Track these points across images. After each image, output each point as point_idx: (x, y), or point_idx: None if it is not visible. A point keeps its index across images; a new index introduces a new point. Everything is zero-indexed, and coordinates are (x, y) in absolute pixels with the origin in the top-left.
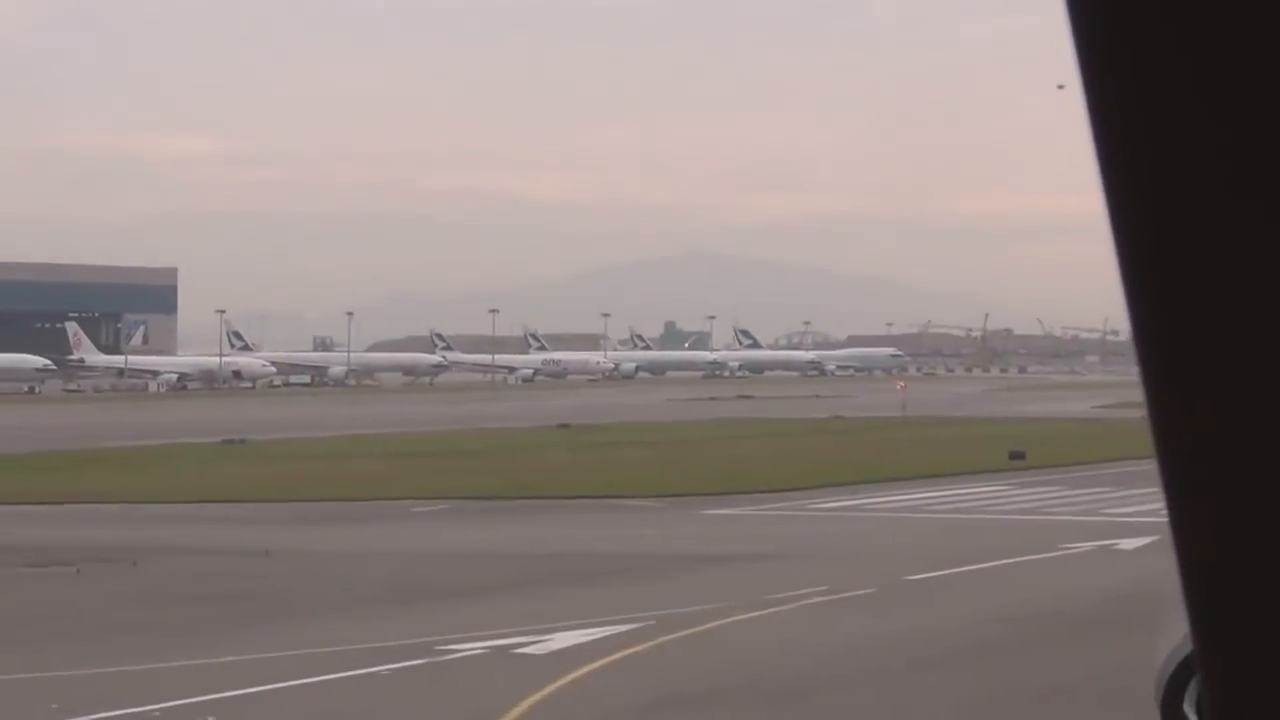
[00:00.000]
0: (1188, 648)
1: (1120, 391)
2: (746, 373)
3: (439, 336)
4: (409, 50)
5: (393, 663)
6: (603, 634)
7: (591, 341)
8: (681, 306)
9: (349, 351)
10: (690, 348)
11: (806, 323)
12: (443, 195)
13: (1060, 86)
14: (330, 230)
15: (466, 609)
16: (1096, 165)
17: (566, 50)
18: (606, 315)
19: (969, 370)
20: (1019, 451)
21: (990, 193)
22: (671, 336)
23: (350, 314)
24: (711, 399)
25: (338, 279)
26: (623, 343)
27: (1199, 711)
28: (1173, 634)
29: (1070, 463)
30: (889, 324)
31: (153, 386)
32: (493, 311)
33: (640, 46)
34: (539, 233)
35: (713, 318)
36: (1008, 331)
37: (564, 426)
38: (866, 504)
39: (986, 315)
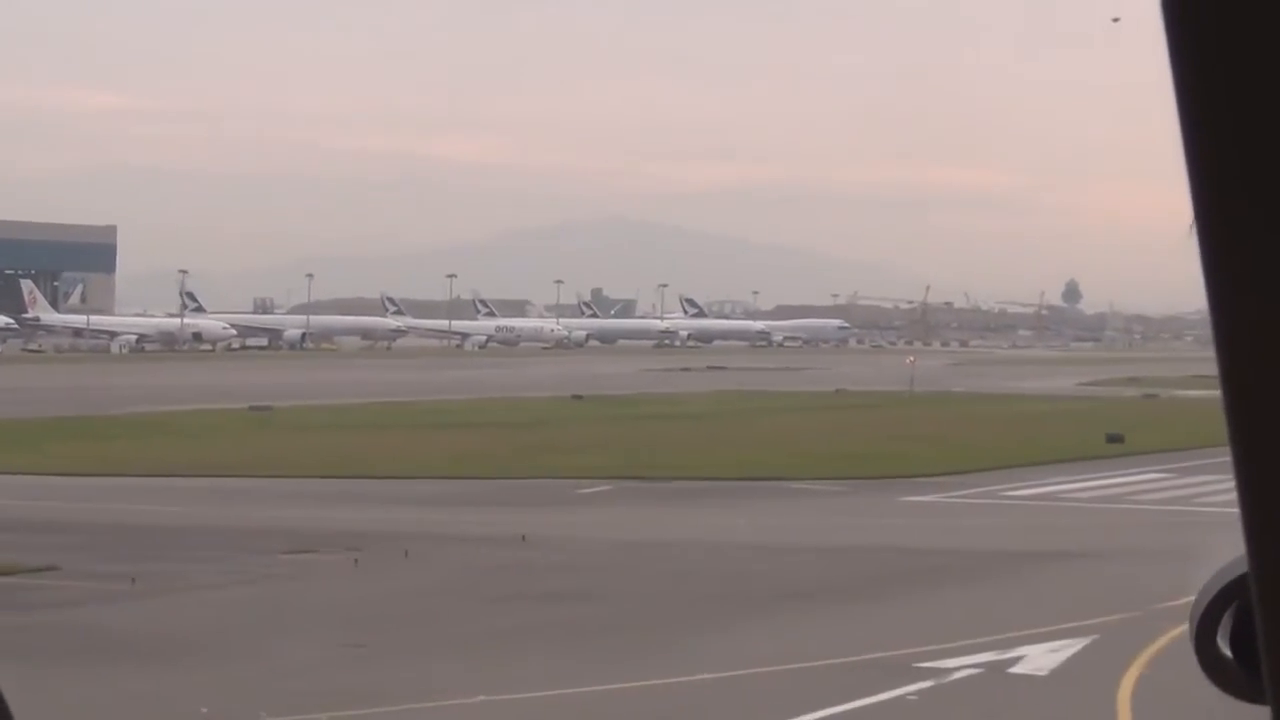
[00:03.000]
0: (1220, 583)
1: (1092, 369)
2: (696, 343)
3: (390, 300)
4: (330, 9)
5: (897, 684)
6: (1076, 645)
7: (518, 307)
8: (603, 272)
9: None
10: (616, 315)
11: (755, 292)
12: (360, 157)
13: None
14: (244, 190)
15: (850, 615)
16: (1184, 157)
17: (486, 12)
18: (560, 282)
19: (909, 344)
20: (1117, 434)
21: (908, 163)
22: (599, 303)
23: (310, 276)
24: (685, 369)
25: (251, 239)
26: (550, 308)
27: (1233, 645)
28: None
29: (1172, 448)
30: (835, 295)
31: (115, 348)
32: (450, 276)
33: (561, 10)
34: (457, 196)
35: (664, 285)
36: (947, 305)
37: (578, 398)
38: (1057, 492)
39: (928, 288)
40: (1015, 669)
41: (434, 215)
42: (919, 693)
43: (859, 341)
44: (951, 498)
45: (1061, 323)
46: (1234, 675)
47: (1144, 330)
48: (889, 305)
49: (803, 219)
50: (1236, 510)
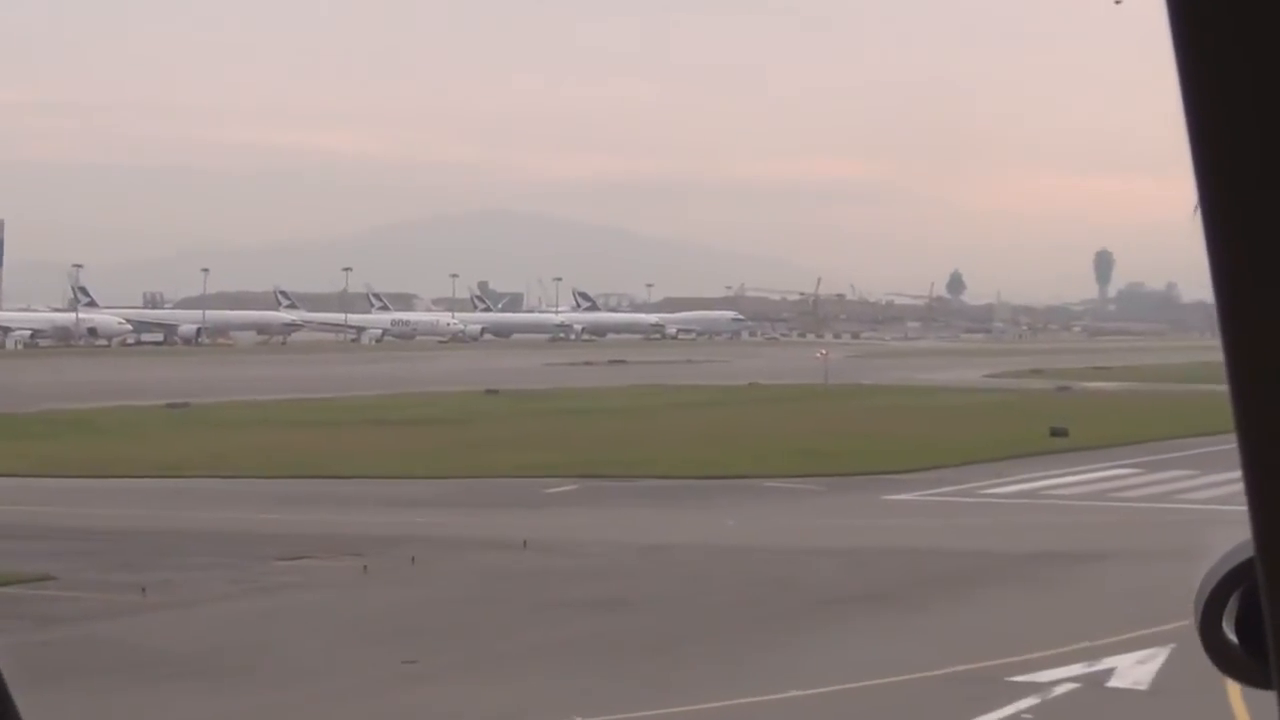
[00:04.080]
0: (1224, 568)
1: (991, 360)
2: (590, 336)
3: (283, 294)
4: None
5: (1002, 701)
6: (1161, 654)
7: (405, 301)
8: (486, 265)
9: (203, 310)
10: (504, 308)
11: (649, 285)
12: (236, 149)
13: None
14: (118, 182)
15: (904, 623)
16: (1189, 144)
17: (362, 5)
18: (454, 276)
19: (801, 335)
20: (1061, 428)
21: (789, 155)
22: (485, 297)
23: (206, 270)
24: (588, 363)
25: (126, 232)
26: (437, 301)
27: (1238, 630)
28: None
29: (1116, 442)
30: (728, 287)
31: (9, 343)
32: (346, 270)
33: (437, 2)
34: (334, 189)
35: (559, 279)
36: (839, 297)
37: (493, 392)
38: (1036, 489)
39: (819, 280)
40: (1114, 682)
41: (311, 209)
42: (1032, 710)
43: (750, 334)
44: (932, 496)
45: (949, 314)
46: (1239, 660)
47: (1030, 321)
48: (776, 297)
49: (685, 211)
50: (1230, 507)
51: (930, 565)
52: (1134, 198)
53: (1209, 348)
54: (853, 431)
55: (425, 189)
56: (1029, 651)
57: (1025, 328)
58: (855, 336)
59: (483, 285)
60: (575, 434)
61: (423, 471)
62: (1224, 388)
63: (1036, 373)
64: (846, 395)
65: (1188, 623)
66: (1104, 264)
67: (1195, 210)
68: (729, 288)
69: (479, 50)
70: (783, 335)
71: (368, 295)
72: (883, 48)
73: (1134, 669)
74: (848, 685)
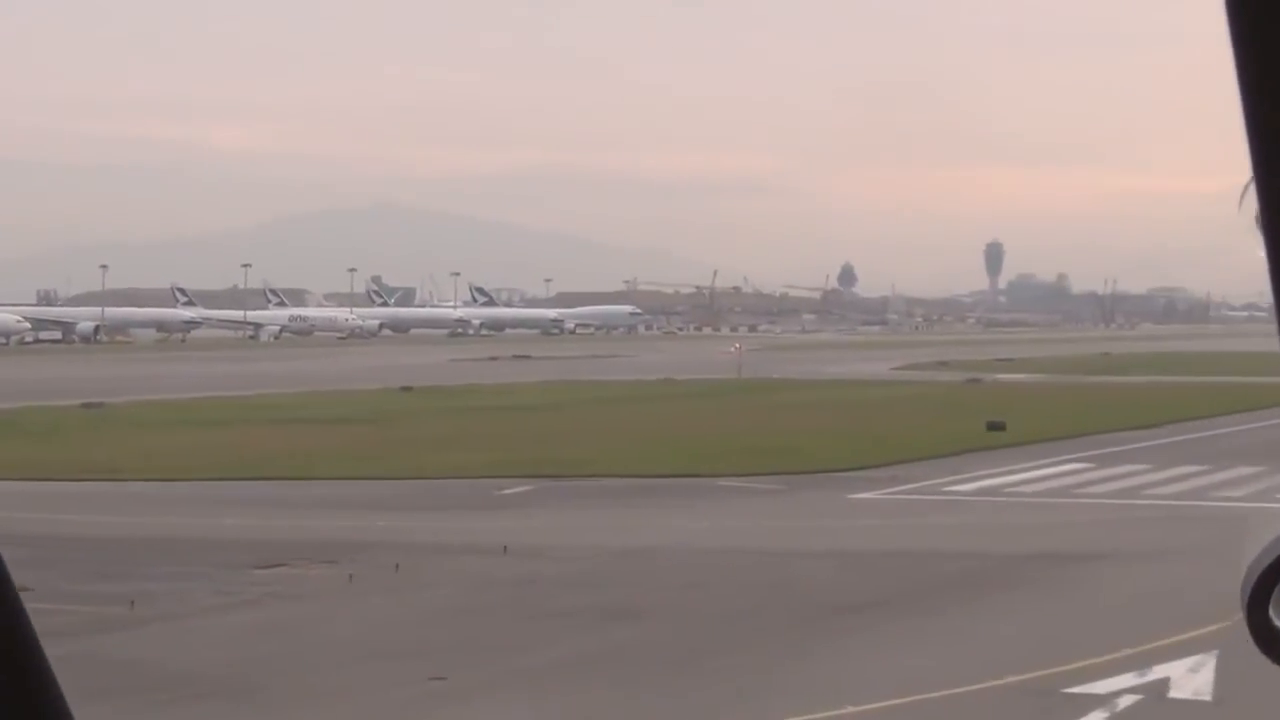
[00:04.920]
0: (1270, 557)
1: (894, 352)
2: (488, 331)
3: (180, 290)
4: None
5: (1068, 715)
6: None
7: (297, 296)
8: (377, 259)
9: (102, 307)
10: (397, 303)
11: (548, 280)
12: (121, 143)
13: None
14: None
15: (929, 631)
16: (1250, 158)
17: None
18: (352, 270)
19: (698, 329)
20: (998, 422)
21: (680, 148)
22: (381, 291)
23: (104, 267)
24: (493, 359)
25: (12, 228)
26: (329, 297)
27: None
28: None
29: (1052, 436)
30: (626, 281)
31: None
32: (245, 266)
33: None
34: (221, 184)
35: (457, 274)
36: (735, 290)
37: (408, 389)
38: (997, 485)
39: (715, 273)
40: (1176, 693)
41: (200, 203)
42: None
43: (647, 327)
44: (895, 494)
45: (844, 306)
46: None
47: (925, 313)
48: (670, 291)
49: (575, 205)
50: (1199, 503)
51: (928, 568)
52: (1025, 189)
53: (1104, 339)
54: (786, 428)
55: (313, 184)
56: (1072, 660)
57: (920, 320)
58: (752, 329)
59: (375, 280)
60: (506, 432)
61: (365, 472)
62: (1137, 379)
63: (942, 365)
64: (763, 390)
65: (1220, 626)
66: (994, 255)
67: (1256, 220)
68: (627, 282)
69: (369, 44)
70: (679, 329)
71: (265, 291)
72: (773, 41)
73: (1190, 678)
74: (905, 699)
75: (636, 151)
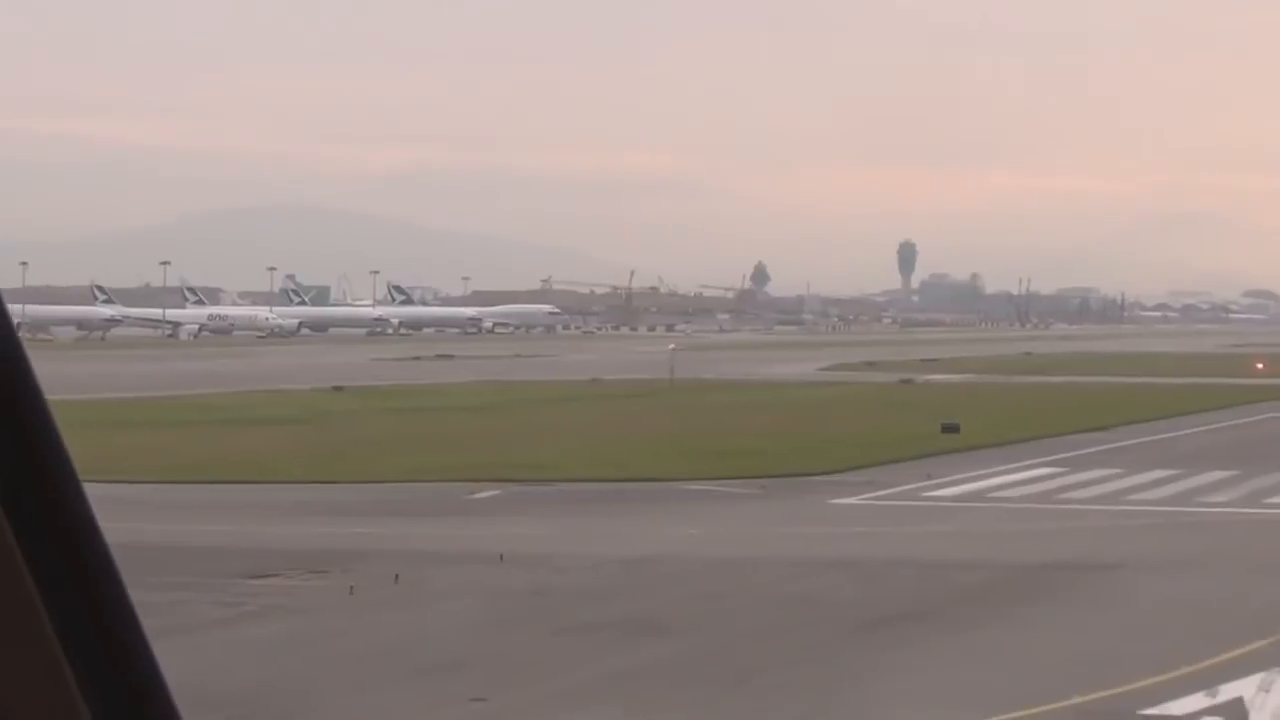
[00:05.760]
0: None
1: (817, 353)
2: (407, 330)
3: (99, 289)
4: None
5: None
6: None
7: (211, 294)
8: (287, 257)
9: (23, 305)
10: (311, 302)
11: (465, 278)
12: (25, 140)
13: None
14: None
15: (974, 646)
16: None
17: None
18: (272, 269)
19: (616, 328)
20: (953, 424)
21: (592, 146)
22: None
23: (24, 264)
24: (416, 358)
25: None
26: (243, 295)
27: None
28: None
29: (1007, 440)
30: (544, 280)
31: None
32: (163, 264)
33: None
34: (130, 180)
35: (375, 272)
36: (653, 290)
37: (339, 389)
38: (977, 490)
39: (632, 272)
40: (1257, 715)
41: (110, 201)
42: None
43: (564, 327)
44: (874, 500)
45: (759, 306)
46: None
47: (840, 313)
48: (585, 290)
49: (488, 204)
50: (1187, 509)
51: (943, 578)
52: (936, 189)
53: (1023, 339)
54: (738, 429)
55: (224, 182)
56: (1134, 679)
57: (837, 320)
58: (669, 329)
59: (291, 278)
60: (453, 434)
61: (322, 475)
62: (1069, 379)
63: (869, 365)
64: (699, 390)
65: (1269, 642)
66: (907, 255)
67: None
68: (544, 281)
69: (277, 41)
70: (597, 328)
71: (182, 289)
72: (686, 40)
73: (1264, 698)
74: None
75: (549, 150)
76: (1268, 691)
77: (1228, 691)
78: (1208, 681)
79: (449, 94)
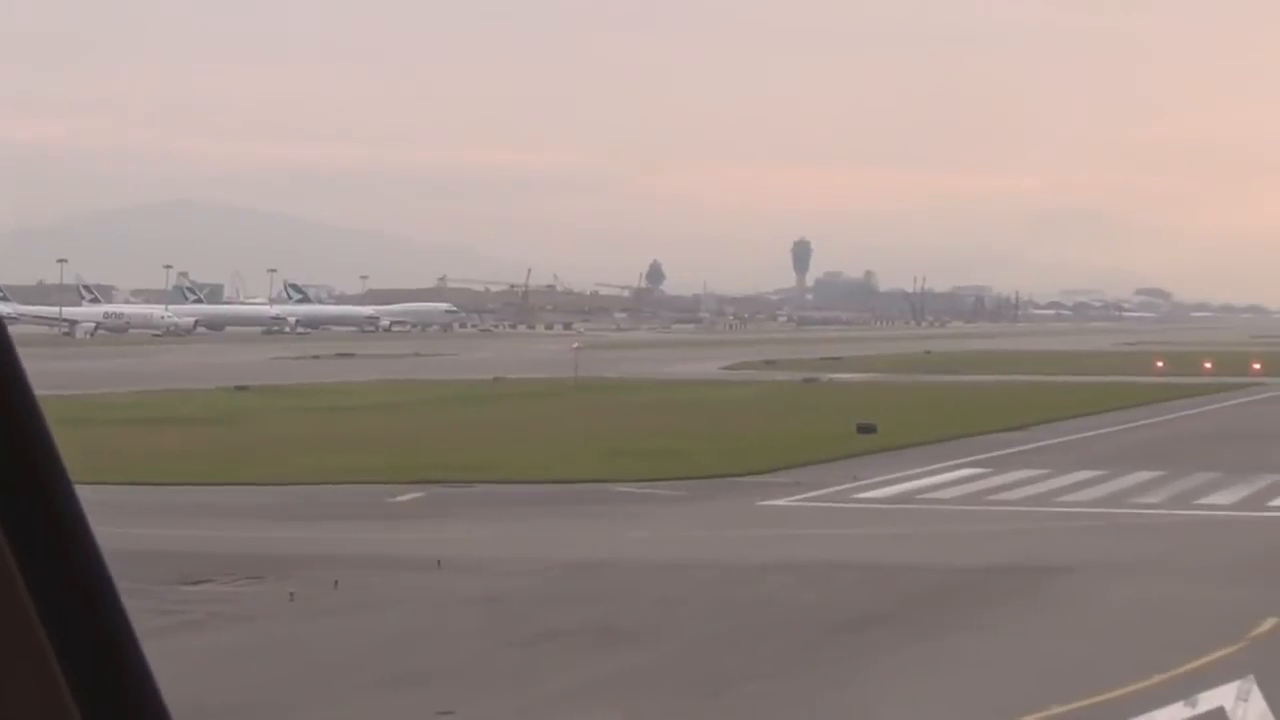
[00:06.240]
0: None
1: (717, 351)
2: (304, 329)
3: None
4: None
5: None
6: (1250, 686)
7: (104, 292)
8: (176, 255)
9: None
10: (205, 300)
11: (363, 276)
12: None
13: None
14: None
15: (942, 653)
16: None
17: None
18: (168, 267)
19: (512, 326)
20: (869, 425)
21: (486, 145)
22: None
23: None
24: (315, 357)
25: None
26: (136, 293)
27: None
28: None
29: (925, 440)
30: (441, 278)
31: None
32: (60, 261)
33: None
34: (18, 176)
35: (273, 270)
36: (550, 288)
37: (243, 388)
38: (906, 492)
39: (529, 270)
40: None
41: (2, 198)
42: None
43: (461, 325)
44: (804, 502)
45: (655, 304)
46: None
47: (737, 311)
48: (480, 288)
49: (385, 201)
50: (1120, 510)
51: (897, 582)
52: (831, 187)
53: (920, 337)
54: (651, 429)
55: (114, 179)
56: (1110, 688)
57: (733, 318)
58: (566, 327)
59: (186, 276)
60: (365, 434)
61: (238, 477)
62: (973, 378)
63: (771, 364)
64: (605, 390)
65: (1236, 648)
66: (802, 253)
67: None
68: (441, 278)
69: (169, 38)
70: (494, 327)
71: (78, 287)
72: (579, 38)
73: (1244, 707)
74: None
75: (443, 147)
76: (1246, 700)
77: (1207, 701)
78: (1184, 690)
79: (343, 91)
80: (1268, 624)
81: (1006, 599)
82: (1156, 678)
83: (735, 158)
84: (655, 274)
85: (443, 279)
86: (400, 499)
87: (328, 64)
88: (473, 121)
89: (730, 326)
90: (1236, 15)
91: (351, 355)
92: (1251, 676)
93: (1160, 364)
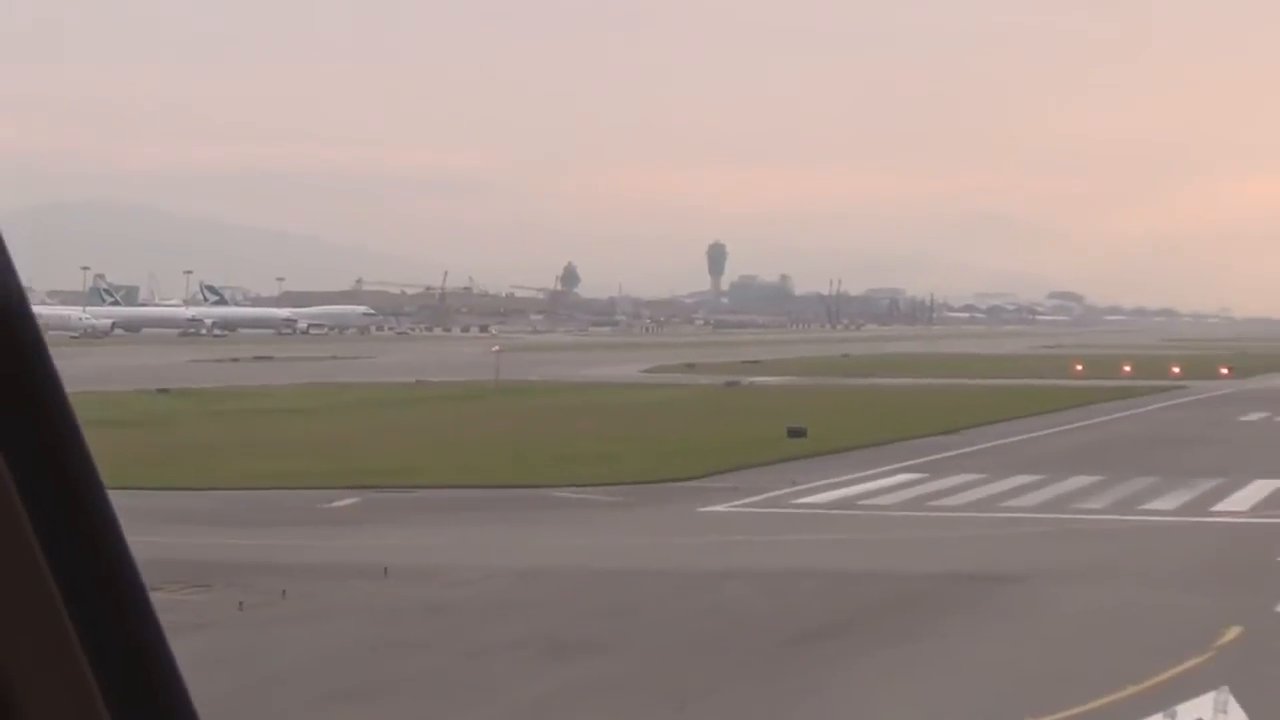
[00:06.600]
0: None
1: (637, 354)
2: (221, 331)
3: None
4: None
5: None
6: (1225, 697)
7: None
8: (90, 256)
9: None
10: (121, 301)
11: (279, 279)
12: None
13: None
14: None
15: (915, 661)
16: None
17: None
18: (85, 268)
19: (429, 329)
20: (799, 428)
21: (395, 147)
22: (97, 292)
23: None
24: (235, 360)
25: None
26: (52, 294)
27: None
28: None
29: (856, 444)
30: (359, 280)
31: None
32: None
33: None
34: None
35: (189, 272)
36: (466, 290)
37: (164, 391)
38: (846, 498)
39: (445, 273)
40: None
41: None
42: None
43: (378, 328)
44: (746, 508)
45: (571, 307)
46: None
47: (653, 314)
48: (396, 290)
49: (299, 202)
50: (1064, 515)
51: (852, 590)
52: (746, 190)
53: (837, 340)
54: (580, 433)
55: (18, 179)
56: (1084, 699)
57: (650, 321)
58: (483, 330)
59: (102, 278)
60: (292, 438)
61: (169, 481)
62: (895, 381)
63: (691, 367)
64: (529, 393)
65: (1205, 658)
66: (717, 257)
67: None
68: (357, 281)
69: (85, 36)
70: (410, 329)
71: None
72: (496, 41)
73: (1221, 716)
74: None
75: (358, 149)
76: (1225, 712)
77: (1185, 713)
78: (1160, 701)
79: (258, 92)
80: (1232, 633)
81: (968, 607)
82: (1131, 688)
83: (650, 161)
84: (570, 276)
85: (359, 281)
86: (336, 504)
87: (244, 65)
88: (389, 123)
89: (647, 329)
90: (1141, 18)
91: (270, 358)
92: (1226, 687)
93: (1080, 367)
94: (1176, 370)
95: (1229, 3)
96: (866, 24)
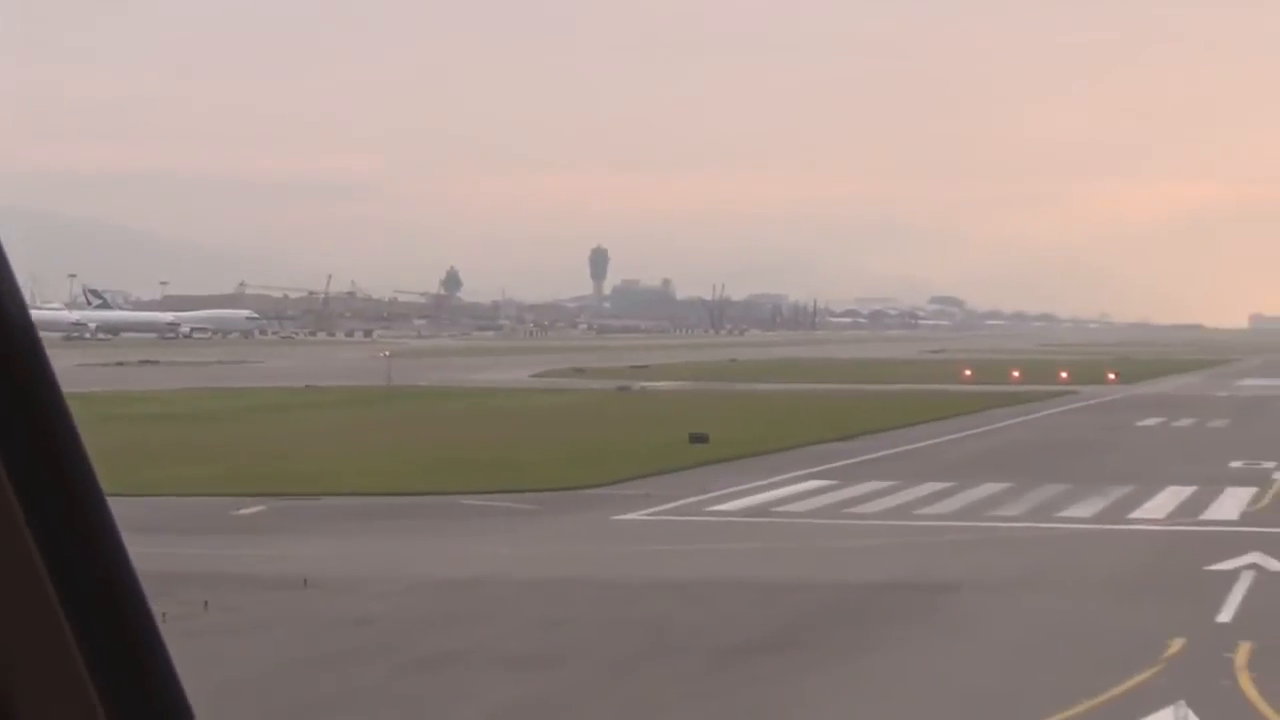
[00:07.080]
0: None
1: (523, 358)
2: (104, 335)
3: None
4: None
5: None
6: (1183, 710)
7: None
8: None
9: None
10: None
11: (163, 282)
12: None
13: None
14: None
15: (864, 673)
16: None
17: None
18: None
19: (313, 334)
20: (701, 434)
21: (276, 151)
22: None
23: None
24: (120, 364)
25: None
26: None
27: None
28: None
29: (757, 450)
30: (243, 284)
31: None
32: None
33: None
34: None
35: (73, 275)
36: (350, 295)
37: None
38: (760, 504)
39: (329, 277)
40: None
41: None
42: None
43: (261, 332)
44: (660, 516)
45: (454, 311)
46: None
47: (536, 319)
48: (278, 294)
49: (181, 207)
50: (987, 523)
51: (783, 600)
52: (628, 194)
53: (722, 345)
54: (479, 439)
55: None
56: (1052, 712)
57: (534, 325)
58: (367, 334)
59: None
60: (190, 443)
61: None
62: (786, 386)
63: (580, 372)
64: (421, 397)
65: (1155, 671)
66: (599, 261)
67: None
68: (240, 284)
69: None
70: (294, 334)
71: None
72: (379, 46)
73: None
74: None
75: (240, 152)
76: None
77: None
78: (1118, 716)
79: (141, 94)
80: (1176, 644)
81: (906, 618)
82: (1085, 703)
83: (530, 164)
84: (453, 280)
85: (242, 285)
86: (244, 511)
87: (127, 66)
88: (272, 126)
89: (530, 334)
90: (1028, 20)
91: (156, 363)
92: (1184, 702)
93: (968, 372)
94: (1065, 375)
95: (1120, 13)
96: (760, 29)
